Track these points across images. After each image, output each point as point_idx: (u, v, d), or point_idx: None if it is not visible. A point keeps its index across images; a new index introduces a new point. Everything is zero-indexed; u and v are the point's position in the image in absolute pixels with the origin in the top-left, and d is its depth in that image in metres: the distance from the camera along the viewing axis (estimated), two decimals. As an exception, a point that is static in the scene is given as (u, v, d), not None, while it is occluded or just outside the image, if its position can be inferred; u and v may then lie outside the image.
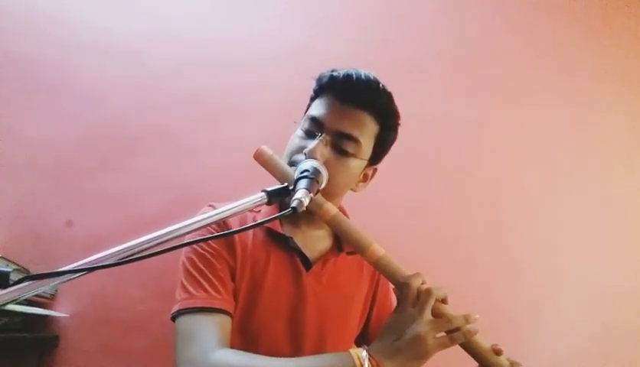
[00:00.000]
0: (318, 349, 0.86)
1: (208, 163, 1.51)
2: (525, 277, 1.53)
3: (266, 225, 0.89)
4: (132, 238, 0.52)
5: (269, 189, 0.68)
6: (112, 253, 0.50)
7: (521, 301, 1.50)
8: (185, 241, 0.55)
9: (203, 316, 0.77)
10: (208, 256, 0.83)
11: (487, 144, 1.64)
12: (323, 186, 0.77)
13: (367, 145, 0.87)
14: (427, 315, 0.69)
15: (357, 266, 0.99)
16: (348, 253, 0.96)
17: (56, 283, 0.46)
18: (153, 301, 1.35)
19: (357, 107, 0.84)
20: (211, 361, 0.70)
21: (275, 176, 0.79)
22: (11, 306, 1.07)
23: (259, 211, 0.93)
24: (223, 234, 0.61)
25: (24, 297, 0.45)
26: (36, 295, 1.19)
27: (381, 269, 0.75)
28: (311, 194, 0.69)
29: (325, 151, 0.82)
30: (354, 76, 0.85)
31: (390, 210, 1.52)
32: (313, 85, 0.91)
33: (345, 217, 0.79)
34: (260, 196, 0.66)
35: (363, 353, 0.70)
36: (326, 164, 0.80)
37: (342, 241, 0.96)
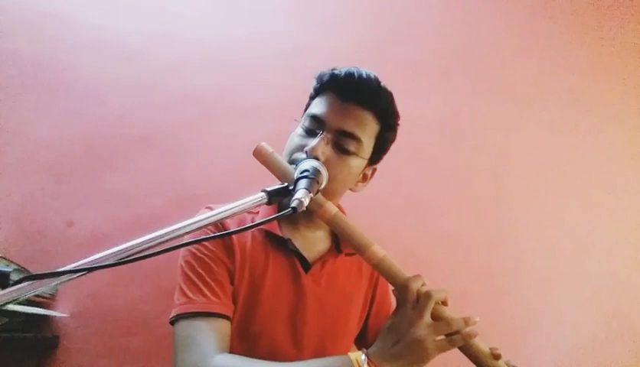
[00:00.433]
0: (319, 350, 0.86)
1: (208, 162, 1.51)
2: (526, 277, 1.53)
3: (264, 227, 0.88)
4: (132, 238, 0.52)
5: (269, 189, 0.68)
6: (112, 253, 0.50)
7: (522, 301, 1.50)
8: (185, 242, 0.55)
9: (201, 320, 0.77)
10: (207, 260, 0.83)
11: (487, 144, 1.64)
12: (323, 186, 0.77)
13: (367, 144, 0.86)
14: (427, 318, 0.69)
15: (356, 267, 0.99)
16: (347, 254, 0.96)
17: (56, 283, 0.46)
18: (153, 301, 1.35)
19: (359, 106, 0.84)
20: (210, 366, 0.70)
21: (274, 173, 0.79)
22: (12, 307, 1.08)
23: (258, 213, 0.93)
24: (222, 234, 0.61)
25: (24, 297, 0.45)
26: (36, 295, 1.19)
27: (381, 271, 0.75)
28: (311, 194, 0.68)
29: (326, 150, 0.81)
30: (356, 74, 0.85)
31: (389, 210, 1.52)
32: (313, 83, 0.91)
33: (345, 217, 0.78)
34: (260, 196, 0.66)
35: (362, 357, 0.70)
36: (327, 162, 0.80)
37: (341, 243, 0.95)
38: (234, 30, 1.65)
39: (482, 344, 0.71)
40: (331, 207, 0.77)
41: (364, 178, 0.94)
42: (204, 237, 0.61)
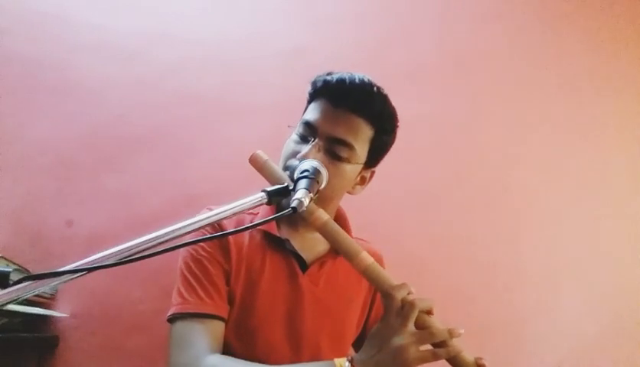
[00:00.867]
0: (316, 351, 0.86)
1: (208, 162, 1.51)
2: (526, 277, 1.53)
3: (263, 228, 0.89)
4: (132, 238, 0.52)
5: (269, 189, 0.68)
6: (112, 253, 0.50)
7: (522, 300, 1.50)
8: (185, 242, 0.55)
9: (195, 321, 0.78)
10: (204, 261, 0.83)
11: (487, 145, 1.64)
12: (323, 185, 0.77)
13: (361, 150, 0.86)
14: (410, 326, 0.69)
15: (354, 270, 0.99)
16: None
17: (56, 283, 0.46)
18: (153, 301, 1.35)
19: (350, 112, 0.84)
20: (201, 366, 0.71)
21: (269, 181, 0.78)
22: (11, 306, 1.07)
23: (257, 213, 0.93)
24: (222, 234, 0.61)
25: (24, 297, 0.45)
26: (36, 295, 1.19)
27: (368, 278, 0.75)
28: (311, 194, 0.68)
29: (318, 156, 0.81)
30: (348, 80, 0.84)
31: (390, 210, 1.52)
32: (308, 88, 0.91)
33: (336, 225, 0.78)
34: (260, 196, 0.66)
35: (346, 363, 0.70)
36: None
37: None
38: (234, 30, 1.65)
39: (467, 355, 0.70)
40: (321, 214, 0.76)
41: (362, 181, 0.94)
42: (204, 237, 0.61)
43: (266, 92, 1.59)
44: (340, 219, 0.99)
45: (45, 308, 1.31)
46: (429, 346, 0.69)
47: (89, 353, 1.33)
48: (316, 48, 1.63)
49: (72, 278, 0.48)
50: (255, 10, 1.67)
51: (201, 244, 0.85)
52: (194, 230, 0.59)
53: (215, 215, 0.61)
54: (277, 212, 0.72)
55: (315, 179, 0.72)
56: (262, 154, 0.80)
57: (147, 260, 0.51)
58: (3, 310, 1.06)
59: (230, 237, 0.86)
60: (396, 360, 0.67)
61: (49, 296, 1.34)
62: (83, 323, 1.35)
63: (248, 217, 0.93)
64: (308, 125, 0.85)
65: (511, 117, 1.67)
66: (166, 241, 0.54)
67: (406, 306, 0.70)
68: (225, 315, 0.82)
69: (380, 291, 0.74)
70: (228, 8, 1.66)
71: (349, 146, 0.83)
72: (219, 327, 0.80)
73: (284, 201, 0.70)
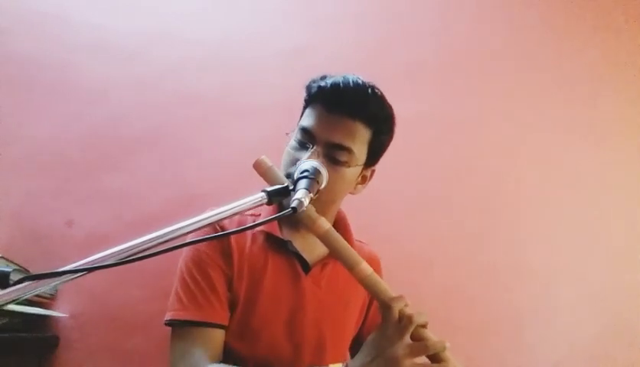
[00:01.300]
0: (317, 352, 0.86)
1: (208, 162, 1.51)
2: (526, 276, 1.52)
3: (265, 229, 0.89)
4: (132, 238, 0.52)
5: (269, 189, 0.68)
6: (112, 253, 0.50)
7: (522, 300, 1.50)
8: (185, 242, 0.55)
9: (194, 330, 0.79)
10: (204, 266, 0.83)
11: (486, 145, 1.64)
12: (323, 185, 0.77)
13: (359, 152, 0.86)
14: (406, 339, 0.70)
15: None
16: None
17: (56, 283, 0.46)
18: (153, 301, 1.34)
19: (346, 116, 0.84)
20: None
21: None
22: (11, 307, 1.07)
23: (259, 215, 0.93)
24: (223, 234, 0.61)
25: (24, 297, 0.45)
26: (36, 295, 1.18)
27: (367, 287, 0.76)
28: (311, 194, 0.69)
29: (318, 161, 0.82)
30: (342, 84, 0.84)
31: (389, 210, 1.52)
32: (304, 93, 0.91)
33: (337, 234, 0.78)
34: (260, 196, 0.66)
35: None
36: None
37: None
38: (234, 30, 1.65)
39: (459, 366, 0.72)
40: (323, 223, 0.77)
41: (363, 180, 0.94)
42: (205, 237, 0.61)
43: (266, 92, 1.58)
44: (340, 221, 0.99)
45: (45, 308, 1.31)
46: (424, 359, 0.71)
47: (89, 353, 1.33)
48: (316, 48, 1.63)
49: (72, 278, 0.47)
50: (255, 10, 1.67)
51: (203, 247, 0.85)
52: (194, 230, 0.59)
53: (215, 215, 0.61)
54: (278, 213, 0.72)
55: (315, 179, 0.73)
56: (267, 160, 0.80)
57: (147, 260, 0.51)
58: (3, 310, 1.06)
59: (232, 240, 0.86)
60: None
61: (49, 296, 1.34)
62: (83, 323, 1.35)
63: (250, 219, 0.93)
64: (305, 131, 0.85)
65: (511, 117, 1.67)
66: (166, 241, 0.54)
67: (404, 320, 0.71)
68: (225, 322, 0.82)
69: (379, 302, 0.75)
70: (228, 8, 1.66)
71: (347, 150, 0.84)
72: (218, 335, 0.81)
73: (285, 201, 0.70)
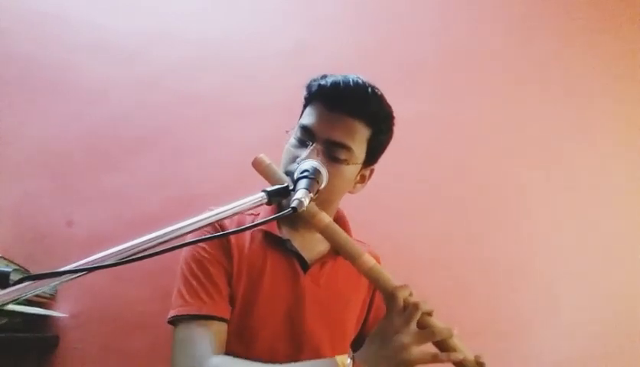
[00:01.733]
0: (316, 351, 0.86)
1: (208, 162, 1.51)
2: (526, 277, 1.52)
3: (264, 228, 0.89)
4: (132, 238, 0.52)
5: (269, 189, 0.68)
6: (112, 253, 0.50)
7: (522, 301, 1.50)
8: (185, 242, 0.55)
9: (197, 323, 0.78)
10: (204, 262, 0.84)
11: (486, 145, 1.64)
12: (323, 185, 0.77)
13: (359, 150, 0.87)
14: (412, 326, 0.70)
15: (354, 271, 0.99)
16: None
17: (56, 283, 0.46)
18: (153, 301, 1.35)
19: (346, 115, 0.84)
20: None
21: (272, 184, 0.79)
22: (11, 306, 1.07)
23: (258, 214, 0.93)
24: (223, 234, 0.61)
25: (24, 297, 0.45)
26: (36, 295, 1.19)
27: (371, 279, 0.77)
28: (311, 194, 0.69)
29: (318, 160, 0.81)
30: (342, 83, 0.85)
31: (389, 209, 1.52)
32: (304, 92, 0.91)
33: (338, 227, 0.78)
34: (260, 196, 0.66)
35: (347, 360, 0.71)
36: None
37: None
38: (234, 30, 1.65)
39: (467, 352, 0.71)
40: (324, 217, 0.77)
41: (362, 179, 0.94)
42: (205, 237, 0.61)
43: (266, 92, 1.58)
44: (339, 220, 0.99)
45: (45, 308, 1.31)
46: (431, 347, 0.70)
47: (89, 353, 1.33)
48: (316, 48, 1.63)
49: (72, 278, 0.48)
50: (255, 10, 1.67)
51: (203, 245, 0.85)
52: (194, 230, 0.59)
53: (215, 215, 0.61)
54: (278, 213, 0.72)
55: (315, 179, 0.73)
56: (265, 158, 0.81)
57: (147, 260, 0.51)
58: (3, 310, 1.06)
59: (232, 238, 0.87)
60: (398, 358, 0.68)
61: (49, 296, 1.34)
62: (83, 323, 1.35)
63: (249, 218, 0.93)
64: (305, 129, 0.86)
65: (511, 116, 1.67)
66: (166, 241, 0.54)
67: (410, 307, 0.71)
68: (227, 316, 0.82)
69: (383, 292, 0.75)
70: (228, 8, 1.66)
71: (347, 148, 0.84)
72: (221, 328, 0.80)
73: (284, 201, 0.70)
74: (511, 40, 1.74)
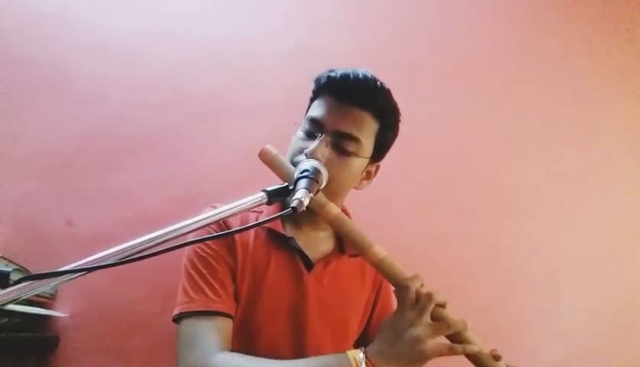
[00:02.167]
0: (320, 349, 0.86)
1: (208, 162, 1.51)
2: (526, 277, 1.53)
3: (267, 225, 0.89)
4: (132, 238, 0.52)
5: (269, 189, 0.68)
6: (112, 253, 0.50)
7: (522, 301, 1.50)
8: (186, 241, 0.55)
9: (203, 319, 0.77)
10: (209, 258, 0.83)
11: (487, 145, 1.64)
12: (323, 185, 0.77)
13: (367, 143, 0.87)
14: (426, 318, 0.69)
15: (359, 270, 0.99)
16: (350, 255, 0.96)
17: (56, 283, 0.46)
18: (153, 301, 1.35)
19: (355, 106, 0.85)
20: (212, 364, 0.71)
21: (279, 175, 0.80)
22: (11, 306, 1.07)
23: (262, 211, 0.93)
24: (224, 233, 0.61)
25: (24, 297, 0.45)
26: (36, 295, 1.19)
27: (382, 271, 0.76)
28: (311, 194, 0.69)
29: (326, 152, 0.82)
30: (352, 75, 0.85)
31: (389, 209, 1.52)
32: (312, 86, 0.92)
33: (347, 218, 0.78)
34: (260, 196, 0.66)
35: (360, 355, 0.70)
36: (327, 164, 0.80)
37: (345, 243, 0.95)
38: (234, 30, 1.65)
39: (483, 346, 0.71)
40: (333, 208, 0.77)
41: (368, 176, 0.94)
42: (205, 237, 0.61)
43: (266, 92, 1.59)
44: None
45: (45, 308, 1.31)
46: (445, 340, 0.69)
47: (89, 353, 1.33)
48: (317, 48, 1.63)
49: (72, 278, 0.48)
50: (255, 10, 1.67)
51: (207, 242, 0.85)
52: (195, 229, 0.59)
53: (217, 214, 0.61)
54: (281, 211, 0.72)
55: (315, 179, 0.73)
56: (272, 149, 0.81)
57: (147, 260, 0.51)
58: (3, 310, 1.06)
59: (236, 235, 0.87)
60: (413, 351, 0.67)
61: (49, 296, 1.34)
62: (83, 323, 1.34)
63: (252, 215, 0.93)
64: (314, 121, 0.86)
65: (511, 116, 1.67)
66: (167, 241, 0.54)
67: (423, 299, 0.70)
68: (232, 312, 0.82)
69: (394, 284, 0.74)
70: (228, 8, 1.66)
71: (356, 140, 0.84)
72: (227, 324, 0.80)
73: (287, 199, 0.70)
74: (510, 40, 1.74)
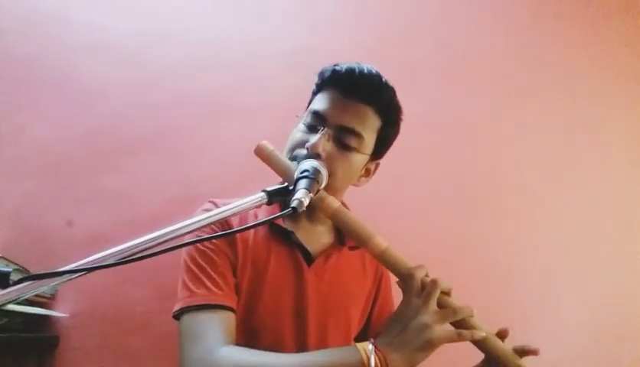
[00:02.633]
0: (321, 344, 0.86)
1: (208, 162, 1.51)
2: (526, 277, 1.52)
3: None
4: (132, 238, 0.52)
5: (269, 189, 0.68)
6: (112, 253, 0.50)
7: (522, 301, 1.50)
8: (186, 241, 0.55)
9: (205, 313, 0.76)
10: (209, 252, 0.82)
11: (486, 144, 1.64)
12: (323, 186, 0.77)
13: (369, 139, 0.87)
14: (432, 305, 0.69)
15: (359, 263, 0.99)
16: (351, 248, 0.96)
17: (56, 283, 0.46)
18: (153, 301, 1.35)
19: (359, 101, 0.84)
20: (217, 359, 0.69)
21: (276, 171, 0.79)
22: (11, 306, 1.07)
23: (261, 207, 0.93)
24: (224, 234, 0.61)
25: (24, 297, 0.45)
26: (36, 295, 1.19)
27: (384, 262, 0.75)
28: (311, 194, 0.68)
29: (327, 145, 0.81)
30: (357, 70, 0.85)
31: (389, 209, 1.52)
32: (315, 79, 0.91)
33: (347, 211, 0.78)
34: (260, 196, 0.66)
35: (369, 346, 0.69)
36: (328, 158, 0.80)
37: (344, 236, 0.95)
38: (234, 30, 1.65)
39: (489, 332, 0.72)
40: (332, 201, 0.77)
41: (367, 173, 0.94)
42: (205, 237, 0.61)
43: (266, 92, 1.59)
44: None
45: (45, 308, 1.31)
46: (451, 327, 0.70)
47: (89, 353, 1.33)
48: (316, 48, 1.62)
49: (72, 278, 0.47)
50: (255, 10, 1.67)
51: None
52: (194, 229, 0.59)
53: (215, 214, 0.61)
54: (281, 208, 0.72)
55: (315, 179, 0.72)
56: (268, 145, 0.80)
57: (147, 260, 0.51)
58: (3, 310, 1.06)
59: None
60: (421, 338, 0.67)
61: (49, 296, 1.34)
62: (83, 323, 1.35)
63: (252, 212, 0.92)
64: (316, 114, 0.85)
65: (511, 116, 1.67)
66: (166, 241, 0.54)
67: (429, 286, 0.70)
68: (234, 305, 0.81)
69: (398, 274, 0.74)
70: (228, 8, 1.66)
71: (358, 135, 0.84)
72: (230, 318, 0.78)
73: (288, 199, 0.70)
74: (511, 40, 1.74)
